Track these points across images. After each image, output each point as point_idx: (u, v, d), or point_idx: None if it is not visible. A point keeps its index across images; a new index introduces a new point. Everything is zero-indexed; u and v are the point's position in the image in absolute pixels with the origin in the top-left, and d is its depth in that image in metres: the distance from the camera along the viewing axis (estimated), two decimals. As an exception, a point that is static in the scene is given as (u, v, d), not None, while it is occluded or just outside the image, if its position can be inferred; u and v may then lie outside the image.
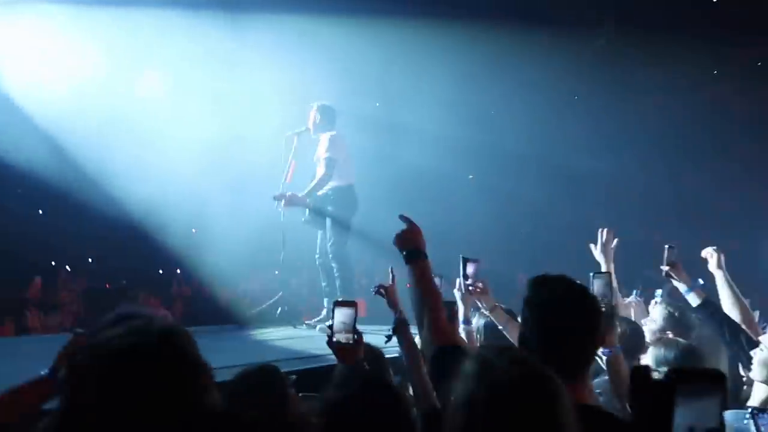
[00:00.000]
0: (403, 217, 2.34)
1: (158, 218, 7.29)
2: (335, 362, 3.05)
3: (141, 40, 7.67)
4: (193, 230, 8.23)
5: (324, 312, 5.59)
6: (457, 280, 3.30)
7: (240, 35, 7.90)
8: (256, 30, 7.79)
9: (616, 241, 3.52)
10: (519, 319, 3.24)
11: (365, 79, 8.59)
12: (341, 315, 2.30)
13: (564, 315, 1.76)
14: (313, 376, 3.18)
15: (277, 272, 6.33)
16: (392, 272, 2.98)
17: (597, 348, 2.02)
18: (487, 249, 8.36)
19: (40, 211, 9.63)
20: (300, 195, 5.55)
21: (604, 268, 3.41)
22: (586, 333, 1.78)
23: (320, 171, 5.53)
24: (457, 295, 3.34)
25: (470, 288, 3.21)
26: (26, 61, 7.53)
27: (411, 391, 2.54)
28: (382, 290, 2.94)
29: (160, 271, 8.73)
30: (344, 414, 1.72)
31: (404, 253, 2.23)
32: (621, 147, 10.44)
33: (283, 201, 5.57)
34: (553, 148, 9.91)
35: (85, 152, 7.56)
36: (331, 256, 5.48)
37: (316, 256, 5.76)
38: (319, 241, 5.74)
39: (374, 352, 2.70)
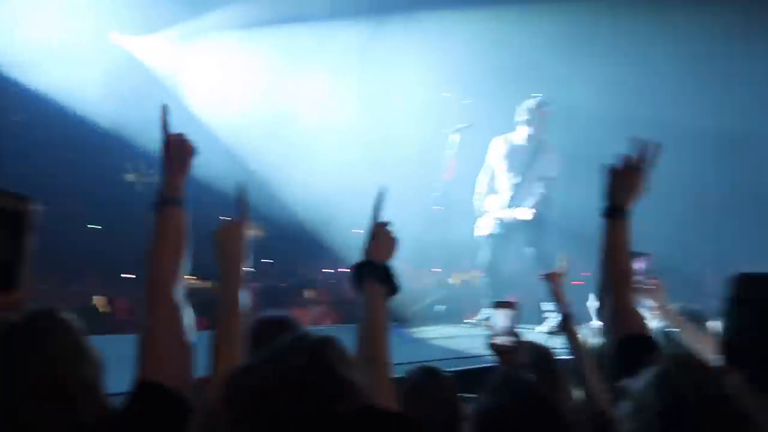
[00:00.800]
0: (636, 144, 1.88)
1: (323, 220, 7.66)
2: (495, 363, 2.96)
3: (296, 53, 8.16)
4: (353, 230, 8.51)
5: (484, 311, 5.46)
6: None
7: (386, 38, 8.04)
8: (402, 31, 7.87)
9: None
10: (702, 323, 2.91)
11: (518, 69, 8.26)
12: (501, 316, 2.23)
13: None
14: (473, 375, 3.09)
15: (435, 269, 6.29)
16: (565, 261, 2.75)
17: None
18: (662, 242, 7.51)
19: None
20: (525, 213, 5.47)
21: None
22: None
23: (542, 189, 5.42)
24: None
25: (640, 286, 2.88)
26: (205, 83, 8.43)
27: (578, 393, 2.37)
28: (551, 277, 2.75)
29: (326, 271, 9.15)
30: (491, 424, 1.59)
31: (606, 204, 1.85)
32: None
33: (511, 216, 5.44)
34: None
35: (258, 162, 8.22)
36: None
37: (487, 261, 5.59)
38: (491, 247, 5.56)
39: (541, 352, 2.53)
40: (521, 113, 5.49)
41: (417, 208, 6.51)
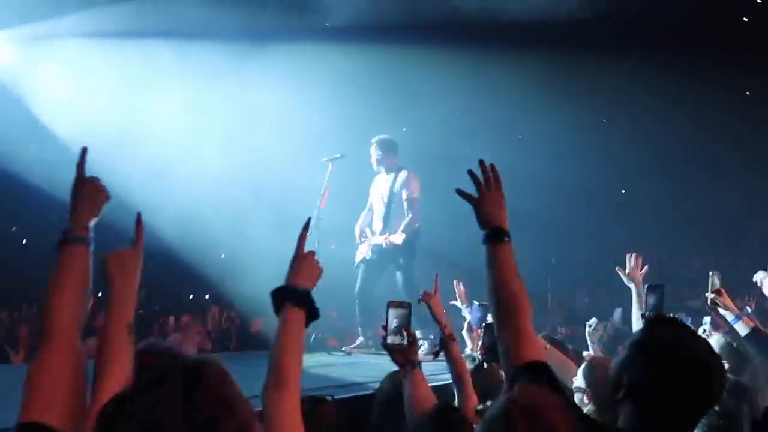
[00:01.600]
0: (474, 177, 1.83)
1: (191, 245, 7.36)
2: (376, 389, 3.02)
3: (156, 68, 7.88)
4: (222, 255, 8.27)
5: (360, 339, 5.56)
6: (466, 323, 3.28)
7: (255, 64, 8.04)
8: (271, 60, 7.93)
9: (645, 268, 3.42)
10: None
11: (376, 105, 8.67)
12: (395, 316, 2.26)
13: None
14: (356, 403, 3.12)
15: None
16: (436, 281, 2.78)
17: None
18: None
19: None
20: (394, 237, 5.57)
21: (633, 295, 3.32)
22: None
23: (407, 213, 5.61)
24: (465, 335, 3.29)
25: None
26: (55, 90, 7.82)
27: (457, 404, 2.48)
28: (426, 300, 2.70)
29: (191, 297, 8.78)
30: None
31: (485, 231, 1.77)
32: (652, 170, 10.33)
33: (385, 242, 5.60)
34: (582, 172, 9.83)
35: (112, 178, 7.68)
36: (405, 289, 5.50)
37: (357, 288, 5.72)
38: (362, 274, 5.71)
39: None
40: (372, 151, 5.82)
41: (291, 233, 6.48)
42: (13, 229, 9.77)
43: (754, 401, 3.31)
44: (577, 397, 2.58)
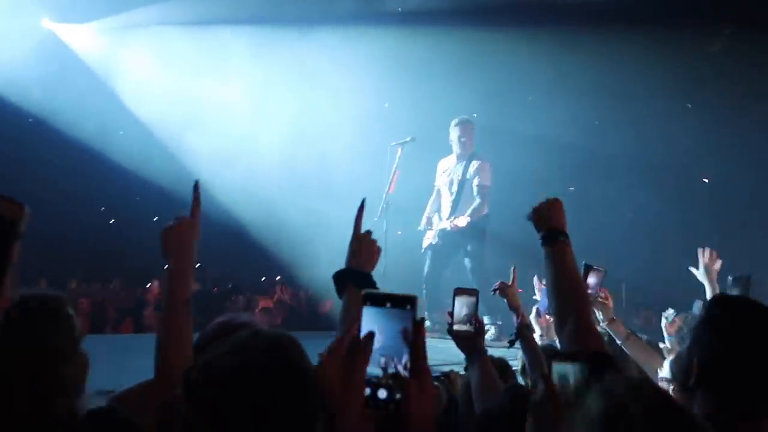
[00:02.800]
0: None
1: (266, 226, 7.59)
2: (443, 372, 3.02)
3: (227, 54, 8.11)
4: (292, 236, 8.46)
5: (427, 323, 5.58)
6: (534, 308, 3.23)
7: (324, 48, 8.13)
8: (341, 44, 7.98)
9: (719, 262, 3.23)
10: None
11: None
12: (462, 303, 2.22)
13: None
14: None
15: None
16: (514, 271, 2.82)
17: None
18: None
19: (156, 218, 10.36)
20: (458, 220, 5.55)
21: (708, 292, 3.16)
22: None
23: (476, 199, 5.57)
24: (533, 320, 3.22)
25: (591, 298, 3.02)
26: (138, 76, 8.23)
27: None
28: (503, 289, 2.75)
29: (263, 278, 9.07)
30: None
31: (541, 233, 1.83)
32: (737, 157, 9.72)
33: (449, 225, 5.60)
34: (664, 157, 9.36)
35: (197, 162, 8.04)
36: (474, 275, 5.50)
37: (424, 276, 5.74)
38: (431, 259, 5.73)
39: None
40: (451, 133, 5.75)
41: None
42: (102, 209, 10.37)
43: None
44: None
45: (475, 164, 5.63)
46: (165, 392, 1.47)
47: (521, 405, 1.66)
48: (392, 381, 1.00)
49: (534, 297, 3.75)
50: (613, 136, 9.35)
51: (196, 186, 1.76)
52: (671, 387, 2.48)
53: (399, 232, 7.03)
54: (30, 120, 8.61)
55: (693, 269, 3.28)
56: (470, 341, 2.22)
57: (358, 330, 1.03)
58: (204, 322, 1.92)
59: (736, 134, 9.64)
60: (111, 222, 10.28)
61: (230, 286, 8.39)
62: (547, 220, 1.84)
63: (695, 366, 1.47)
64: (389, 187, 5.71)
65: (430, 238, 5.73)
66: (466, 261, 5.58)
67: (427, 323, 5.61)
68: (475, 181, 5.58)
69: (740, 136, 9.66)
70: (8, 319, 1.06)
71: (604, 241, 9.50)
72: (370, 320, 1.03)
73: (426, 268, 5.75)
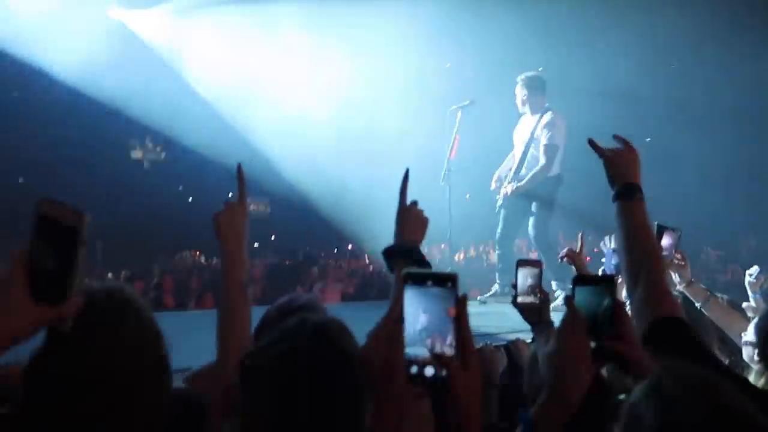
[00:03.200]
0: (618, 138, 1.78)
1: (332, 197, 7.69)
2: (509, 340, 2.97)
3: (283, 28, 8.12)
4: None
5: (495, 287, 5.48)
6: (600, 270, 3.07)
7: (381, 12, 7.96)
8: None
9: None
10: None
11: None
12: (526, 275, 2.18)
13: None
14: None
15: (443, 246, 6.31)
16: (582, 238, 2.74)
17: None
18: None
19: (230, 194, 10.74)
20: (520, 185, 5.30)
21: None
22: None
23: (541, 159, 5.22)
24: None
25: (666, 261, 2.86)
26: (202, 57, 8.41)
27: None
28: (569, 257, 2.71)
29: (335, 249, 9.23)
30: None
31: (616, 188, 1.69)
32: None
33: (505, 190, 5.37)
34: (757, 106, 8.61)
35: (267, 139, 8.21)
36: (537, 242, 5.30)
37: (498, 234, 5.60)
38: (503, 221, 5.57)
39: None
40: (517, 91, 5.50)
41: (423, 184, 6.51)
42: (180, 188, 10.85)
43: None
44: (746, 353, 2.39)
45: (545, 118, 5.27)
46: (225, 376, 1.51)
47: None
48: (436, 360, 1.00)
49: (602, 260, 3.61)
50: (686, 84, 8.72)
51: (239, 169, 1.77)
52: (755, 351, 2.33)
53: (467, 196, 6.93)
54: (105, 111, 9.01)
55: None
56: (535, 312, 2.16)
57: (400, 311, 1.03)
58: (278, 294, 1.95)
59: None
60: (189, 200, 10.75)
61: (302, 258, 8.60)
62: (623, 174, 1.70)
63: None
64: (451, 152, 5.59)
65: (501, 198, 5.57)
66: (530, 228, 5.37)
67: (496, 287, 5.53)
68: (543, 140, 5.24)
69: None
70: (86, 318, 1.11)
71: (683, 194, 9.00)
72: (412, 300, 1.03)
73: (498, 230, 5.62)
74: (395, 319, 1.02)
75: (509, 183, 5.38)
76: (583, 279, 1.36)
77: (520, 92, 5.46)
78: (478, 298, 5.57)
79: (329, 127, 8.06)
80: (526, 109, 5.43)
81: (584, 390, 1.24)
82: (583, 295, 1.31)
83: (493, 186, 5.62)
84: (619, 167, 1.72)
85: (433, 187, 5.80)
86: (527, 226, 5.42)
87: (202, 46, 8.74)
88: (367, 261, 8.90)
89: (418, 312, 1.03)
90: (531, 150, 5.33)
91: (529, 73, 5.56)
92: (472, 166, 6.07)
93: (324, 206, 8.26)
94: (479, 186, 6.09)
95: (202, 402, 1.50)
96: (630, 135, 1.82)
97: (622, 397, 1.08)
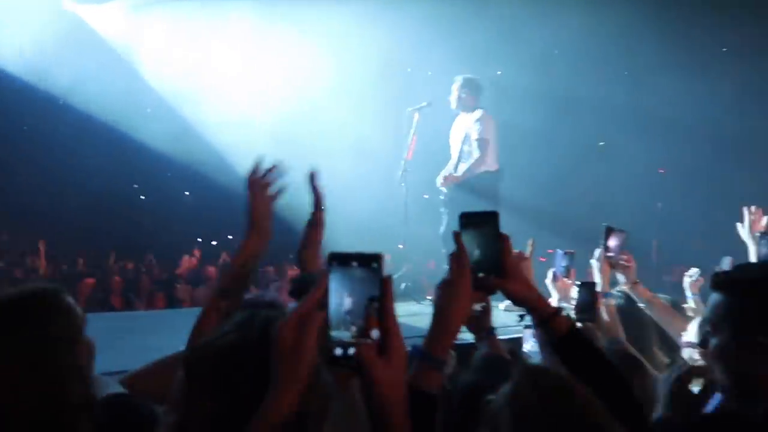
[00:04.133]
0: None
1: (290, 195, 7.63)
2: (465, 341, 3.01)
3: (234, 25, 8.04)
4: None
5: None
6: (597, 251, 3.11)
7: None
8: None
9: (765, 219, 3.09)
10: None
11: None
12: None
13: None
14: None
15: (401, 246, 6.35)
16: (532, 244, 2.75)
17: None
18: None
19: (187, 193, 10.56)
20: (456, 175, 5.52)
21: (752, 253, 3.03)
22: None
23: (474, 153, 5.47)
24: (595, 265, 3.13)
25: (612, 261, 2.93)
26: (157, 53, 8.28)
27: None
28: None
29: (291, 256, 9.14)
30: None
31: (535, 319, 1.45)
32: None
33: (441, 180, 5.57)
34: (697, 112, 8.95)
35: (221, 135, 8.10)
36: None
37: (442, 233, 5.71)
38: (446, 219, 5.67)
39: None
40: (454, 89, 5.66)
41: (381, 186, 6.56)
42: (135, 186, 10.59)
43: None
44: (686, 353, 2.48)
45: (475, 115, 5.53)
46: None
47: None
48: (355, 341, 0.98)
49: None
50: (642, 89, 9.01)
51: (313, 179, 1.78)
52: (695, 351, 2.42)
53: (426, 196, 6.98)
54: (60, 102, 8.77)
55: (739, 226, 3.16)
56: (476, 321, 2.13)
57: (322, 293, 1.01)
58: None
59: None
60: (142, 198, 10.51)
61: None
62: (527, 301, 1.44)
63: (709, 328, 1.45)
64: (408, 153, 5.66)
65: (443, 195, 5.69)
66: None
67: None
68: (474, 135, 5.48)
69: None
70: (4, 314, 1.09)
71: (634, 196, 9.29)
72: (337, 282, 1.01)
73: (442, 228, 5.72)
74: (315, 300, 1.01)
75: (447, 176, 5.50)
76: (469, 217, 1.39)
77: (457, 91, 5.60)
78: (428, 297, 5.64)
79: (286, 123, 8.01)
80: (460, 107, 5.56)
81: (466, 318, 1.33)
82: (470, 234, 1.38)
83: (438, 185, 5.72)
84: (520, 296, 1.43)
85: (391, 187, 5.86)
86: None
87: (157, 42, 8.58)
88: (325, 258, 8.87)
89: (343, 294, 1.00)
90: (465, 147, 5.49)
91: (468, 75, 5.69)
92: (430, 166, 6.12)
93: (280, 202, 8.18)
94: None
95: (145, 406, 1.48)
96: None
97: (491, 398, 1.15)
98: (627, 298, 3.03)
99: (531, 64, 8.57)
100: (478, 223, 1.39)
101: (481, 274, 1.35)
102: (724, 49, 9.42)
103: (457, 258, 1.33)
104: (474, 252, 1.36)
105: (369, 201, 7.47)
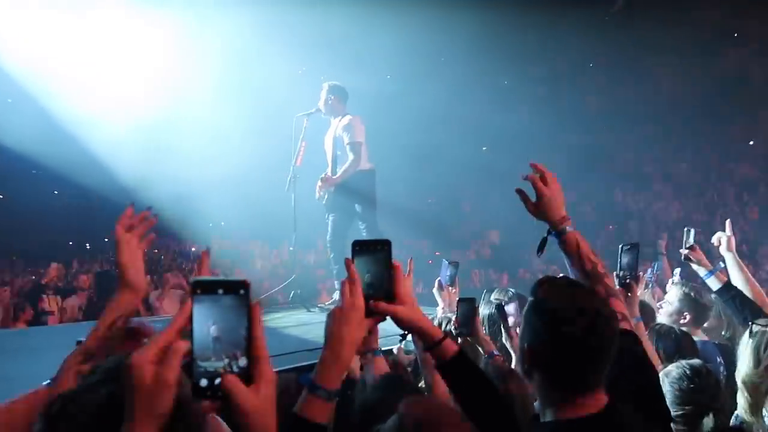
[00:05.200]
0: (536, 172, 1.89)
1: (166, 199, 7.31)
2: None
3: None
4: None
5: (336, 293, 5.57)
6: (437, 280, 3.30)
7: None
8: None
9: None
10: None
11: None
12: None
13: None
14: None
15: (291, 248, 6.27)
16: (411, 264, 2.82)
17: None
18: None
19: (55, 191, 9.77)
20: (334, 177, 5.57)
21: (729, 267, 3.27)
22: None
23: (349, 155, 5.53)
24: (436, 293, 3.30)
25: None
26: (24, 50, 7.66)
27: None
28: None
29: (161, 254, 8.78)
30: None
31: (552, 227, 1.88)
32: (635, 119, 10.23)
33: (319, 183, 5.59)
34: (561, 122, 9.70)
35: (96, 140, 7.61)
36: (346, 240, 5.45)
37: (328, 238, 5.74)
38: (332, 224, 5.71)
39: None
40: (322, 94, 5.72)
41: (272, 190, 6.45)
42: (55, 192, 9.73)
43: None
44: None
45: (345, 120, 5.63)
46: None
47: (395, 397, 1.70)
48: (222, 371, 0.96)
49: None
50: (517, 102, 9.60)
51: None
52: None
53: (322, 200, 6.96)
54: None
55: (717, 240, 3.34)
56: (363, 341, 2.16)
57: (184, 322, 0.96)
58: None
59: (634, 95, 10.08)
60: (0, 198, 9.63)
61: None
62: (552, 212, 1.87)
63: (527, 350, 1.52)
64: (296, 159, 5.61)
65: (324, 200, 5.73)
66: (361, 226, 5.59)
67: (337, 293, 5.62)
68: (346, 139, 5.57)
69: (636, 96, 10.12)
70: None
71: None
72: (203, 310, 0.97)
73: (328, 234, 5.75)
74: (175, 330, 0.96)
75: (323, 178, 5.56)
76: (362, 244, 1.42)
77: (325, 96, 5.70)
78: (319, 305, 5.64)
79: (167, 126, 7.66)
80: (329, 113, 5.73)
81: (358, 345, 1.36)
82: (363, 261, 1.40)
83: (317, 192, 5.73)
84: (547, 209, 1.88)
85: (280, 192, 5.78)
86: (357, 225, 5.62)
87: (26, 41, 7.87)
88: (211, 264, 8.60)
89: (210, 322, 0.96)
90: (338, 151, 5.60)
91: (334, 82, 5.80)
92: (320, 172, 6.12)
93: (164, 206, 7.80)
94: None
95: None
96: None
97: (377, 428, 1.21)
98: (498, 307, 3.19)
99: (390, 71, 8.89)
100: (371, 250, 1.42)
101: (371, 301, 1.38)
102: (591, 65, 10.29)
103: (349, 285, 1.35)
104: (365, 277, 1.39)
105: (261, 206, 7.33)
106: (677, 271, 4.08)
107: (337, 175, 5.57)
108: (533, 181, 1.88)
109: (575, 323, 1.42)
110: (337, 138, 5.65)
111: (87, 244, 9.62)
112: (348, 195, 5.55)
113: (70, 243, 9.60)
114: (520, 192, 1.89)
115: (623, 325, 1.73)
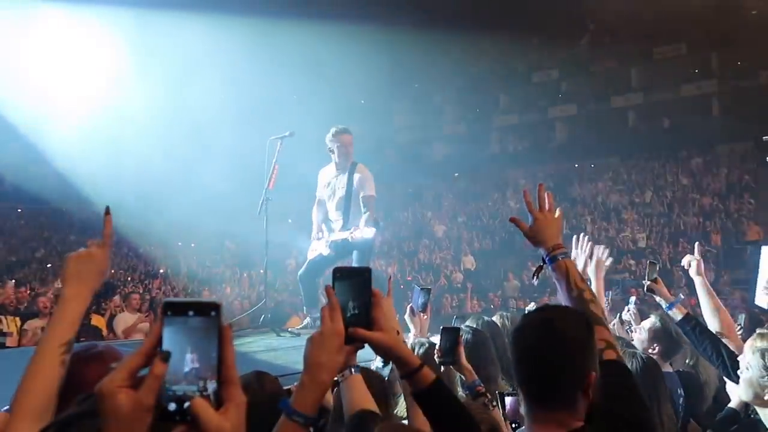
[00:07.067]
0: (543, 199, 2.01)
1: (137, 221, 7.22)
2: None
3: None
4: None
5: (307, 320, 5.52)
6: (408, 306, 3.28)
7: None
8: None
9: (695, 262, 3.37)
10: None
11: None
12: None
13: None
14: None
15: (262, 271, 6.16)
16: (390, 283, 2.82)
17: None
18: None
19: (19, 210, 9.53)
20: (360, 231, 5.22)
21: (594, 287, 3.26)
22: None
23: (364, 209, 5.41)
24: (408, 319, 3.31)
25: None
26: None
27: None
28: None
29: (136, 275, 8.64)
30: None
31: (546, 253, 1.98)
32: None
33: (350, 237, 5.27)
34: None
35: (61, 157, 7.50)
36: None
37: (301, 274, 5.66)
38: (310, 269, 5.61)
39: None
40: (329, 143, 5.64)
41: (245, 216, 6.41)
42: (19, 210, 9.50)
43: (700, 390, 3.44)
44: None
45: (359, 173, 5.51)
46: None
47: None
48: (190, 395, 0.93)
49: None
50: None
51: (107, 212, 1.66)
52: None
53: (290, 221, 6.94)
54: None
55: (687, 263, 3.43)
56: None
57: (153, 345, 0.94)
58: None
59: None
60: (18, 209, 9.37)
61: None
62: (547, 238, 1.99)
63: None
64: (269, 182, 5.57)
65: (320, 249, 5.57)
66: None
67: (307, 320, 5.57)
68: (362, 193, 5.49)
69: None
70: None
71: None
72: (174, 333, 0.95)
73: (305, 267, 5.66)
74: (145, 353, 0.94)
75: (352, 230, 5.33)
76: (342, 272, 1.43)
77: (333, 143, 5.53)
78: (289, 329, 5.58)
79: (147, 150, 7.58)
80: (339, 159, 5.52)
81: (337, 370, 1.37)
82: (343, 288, 1.41)
83: (315, 234, 5.63)
84: (544, 235, 1.99)
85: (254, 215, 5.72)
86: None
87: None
88: (169, 285, 8.43)
89: (181, 345, 0.95)
90: (352, 202, 5.46)
91: (341, 126, 5.61)
92: (293, 193, 6.10)
93: (130, 227, 7.68)
94: (300, 211, 6.12)
95: None
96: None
97: None
98: (473, 332, 3.19)
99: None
100: (351, 276, 1.43)
101: (350, 329, 1.38)
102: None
103: (329, 311, 1.35)
104: (346, 304, 1.39)
105: (232, 229, 7.30)
106: (632, 299, 4.32)
107: (367, 228, 5.23)
108: (528, 205, 2.02)
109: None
110: (354, 190, 5.50)
111: (48, 264, 9.38)
112: (349, 245, 5.37)
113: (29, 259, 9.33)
114: (513, 220, 2.05)
115: (609, 354, 1.76)
